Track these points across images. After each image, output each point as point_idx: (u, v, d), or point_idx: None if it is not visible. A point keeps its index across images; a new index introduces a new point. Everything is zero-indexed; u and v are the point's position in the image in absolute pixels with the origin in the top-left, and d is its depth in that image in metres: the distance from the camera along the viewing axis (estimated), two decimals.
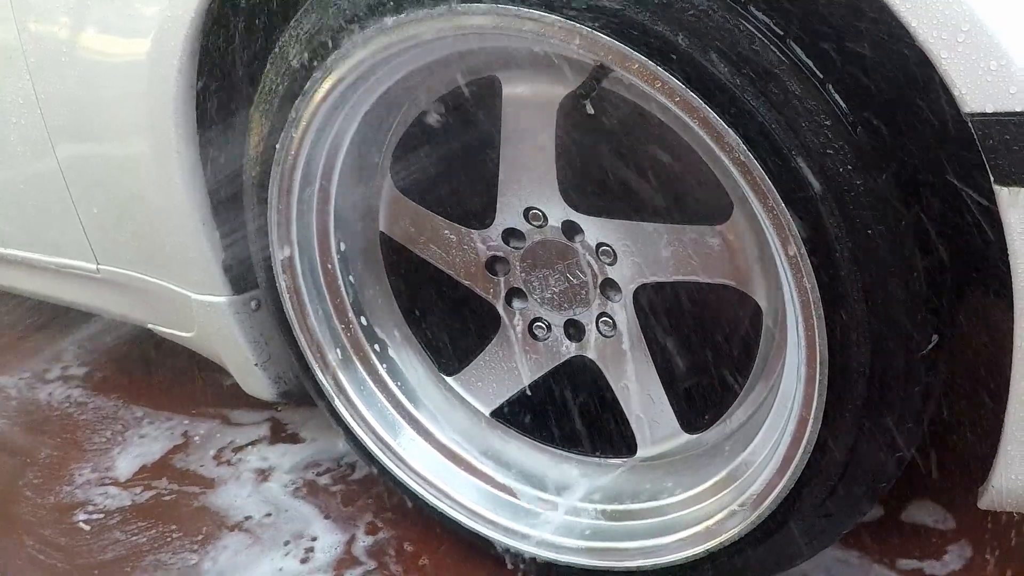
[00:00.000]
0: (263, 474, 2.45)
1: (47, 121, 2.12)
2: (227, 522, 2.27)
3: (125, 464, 2.56)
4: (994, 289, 1.43)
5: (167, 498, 2.40)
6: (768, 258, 1.50)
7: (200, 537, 2.22)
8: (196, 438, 2.65)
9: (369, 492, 2.31)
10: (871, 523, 1.97)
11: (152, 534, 2.25)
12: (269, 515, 2.28)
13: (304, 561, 2.10)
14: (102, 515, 2.34)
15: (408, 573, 2.04)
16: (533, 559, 1.85)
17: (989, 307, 1.50)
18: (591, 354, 1.80)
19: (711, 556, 1.64)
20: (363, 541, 2.15)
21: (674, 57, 1.25)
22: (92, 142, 2.07)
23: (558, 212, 1.68)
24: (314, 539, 2.18)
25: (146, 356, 3.15)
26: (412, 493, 1.98)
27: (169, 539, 2.23)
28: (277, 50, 1.67)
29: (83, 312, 2.87)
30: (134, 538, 2.24)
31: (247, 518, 2.27)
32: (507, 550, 1.89)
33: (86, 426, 2.78)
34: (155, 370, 3.06)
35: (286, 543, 2.17)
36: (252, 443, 2.59)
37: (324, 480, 2.39)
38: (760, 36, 1.20)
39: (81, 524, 2.32)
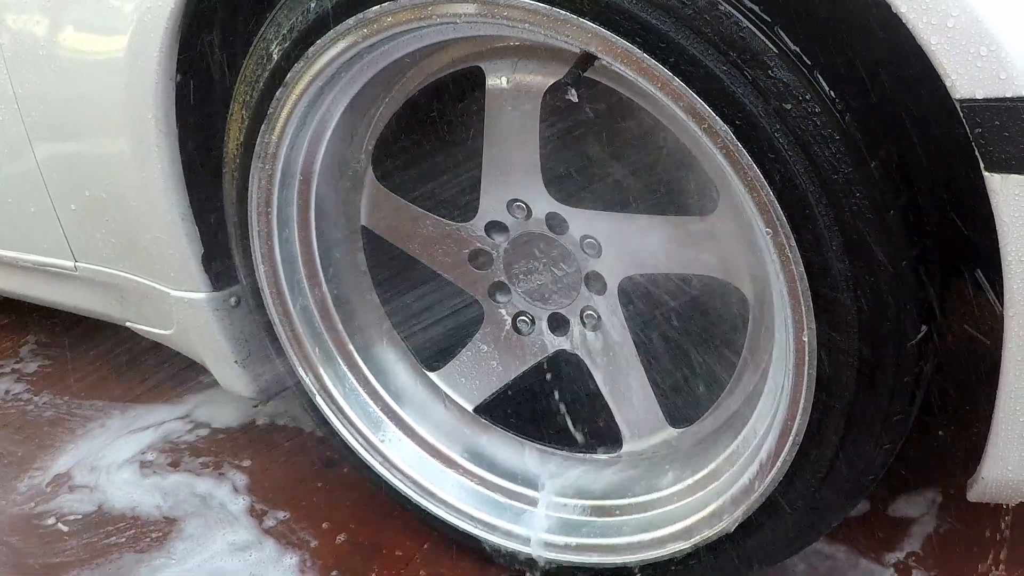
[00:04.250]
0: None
1: (25, 117, 2.10)
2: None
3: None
4: (981, 280, 1.43)
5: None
6: (755, 249, 1.49)
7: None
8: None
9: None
10: (857, 517, 1.96)
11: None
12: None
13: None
14: (57, 517, 2.33)
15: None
16: (516, 555, 1.84)
17: (978, 297, 1.49)
18: (576, 348, 1.79)
19: (698, 551, 1.64)
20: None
21: (660, 44, 1.23)
22: (70, 138, 2.05)
23: (542, 204, 1.67)
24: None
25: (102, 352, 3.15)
26: (395, 490, 1.97)
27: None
28: (257, 41, 1.65)
29: (49, 310, 2.84)
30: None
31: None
32: (493, 547, 1.88)
33: (35, 423, 2.78)
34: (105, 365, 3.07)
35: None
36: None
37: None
38: (748, 23, 1.19)
39: (36, 523, 2.32)
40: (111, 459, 2.54)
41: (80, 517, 2.32)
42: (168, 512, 2.30)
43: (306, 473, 2.37)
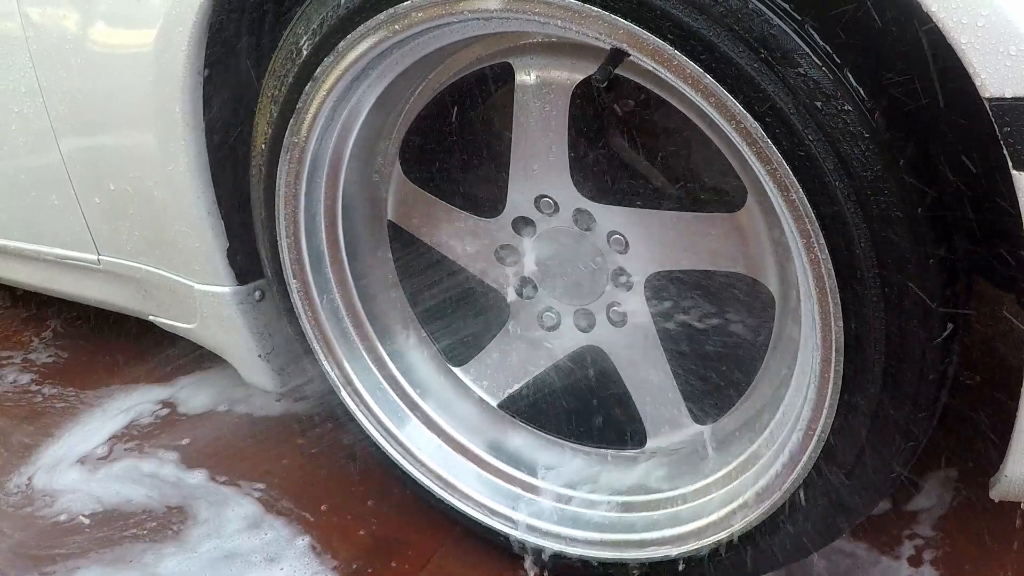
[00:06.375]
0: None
1: (50, 110, 2.11)
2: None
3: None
4: (1005, 280, 1.43)
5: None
6: (781, 246, 1.50)
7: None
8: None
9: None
10: (878, 514, 1.96)
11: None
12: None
13: None
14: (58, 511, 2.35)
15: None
16: (542, 550, 1.85)
17: (1004, 296, 1.49)
18: (601, 344, 1.80)
19: (721, 547, 1.64)
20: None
21: (691, 41, 1.24)
22: (96, 131, 2.06)
23: (570, 200, 1.67)
24: None
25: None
26: (419, 485, 1.97)
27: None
28: (287, 35, 1.66)
29: (70, 302, 2.86)
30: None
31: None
32: (519, 542, 1.88)
33: (39, 413, 2.80)
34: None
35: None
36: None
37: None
38: (778, 21, 1.19)
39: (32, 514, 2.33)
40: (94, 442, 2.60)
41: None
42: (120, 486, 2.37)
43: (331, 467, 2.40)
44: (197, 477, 2.38)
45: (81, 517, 2.27)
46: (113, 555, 2.13)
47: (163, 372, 2.87)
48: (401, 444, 1.97)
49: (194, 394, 2.76)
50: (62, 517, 2.28)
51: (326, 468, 2.37)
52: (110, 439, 2.59)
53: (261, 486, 2.31)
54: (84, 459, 2.51)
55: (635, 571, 1.76)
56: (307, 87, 1.65)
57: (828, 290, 1.29)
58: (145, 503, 2.30)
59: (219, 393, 2.74)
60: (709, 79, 1.25)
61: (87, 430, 2.66)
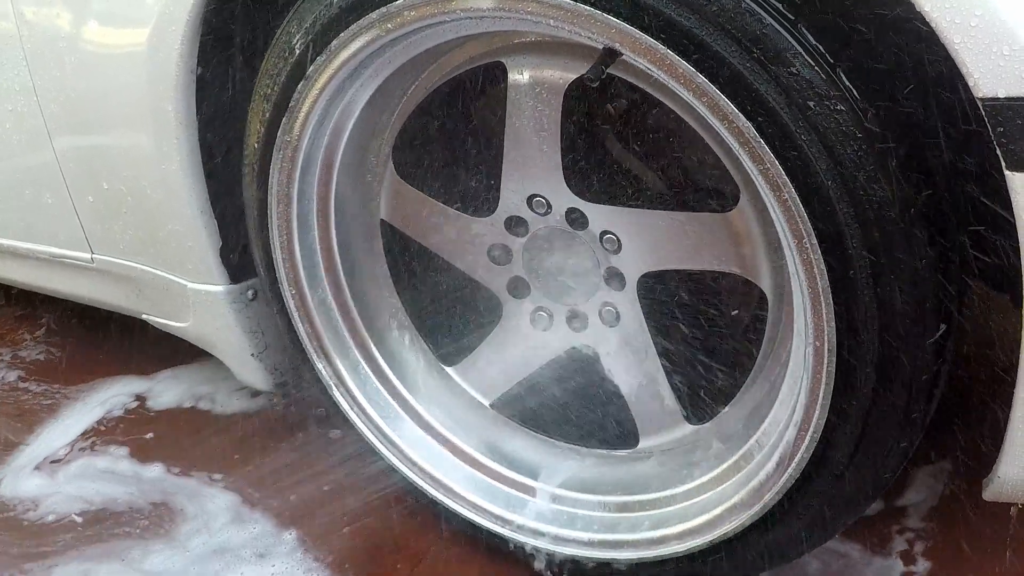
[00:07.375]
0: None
1: (44, 109, 2.11)
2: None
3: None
4: (998, 280, 1.43)
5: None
6: (774, 246, 1.50)
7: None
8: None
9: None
10: (871, 515, 1.96)
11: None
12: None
13: None
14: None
15: None
16: (535, 550, 1.85)
17: (996, 297, 1.49)
18: (594, 343, 1.80)
19: (712, 548, 1.63)
20: None
21: (684, 41, 1.24)
22: (90, 130, 2.06)
23: (562, 200, 1.67)
24: None
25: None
26: (410, 484, 1.97)
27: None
28: (280, 33, 1.66)
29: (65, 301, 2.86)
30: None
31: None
32: (510, 542, 1.88)
33: (26, 411, 2.80)
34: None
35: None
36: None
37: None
38: (771, 20, 1.19)
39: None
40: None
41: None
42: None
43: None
44: (155, 471, 2.39)
45: (74, 516, 2.26)
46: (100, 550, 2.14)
47: (145, 366, 2.87)
48: (392, 443, 1.96)
49: (168, 388, 2.76)
50: (50, 518, 2.28)
51: (314, 464, 2.36)
52: (84, 434, 2.60)
53: (231, 479, 2.32)
54: (58, 456, 2.52)
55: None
56: (300, 86, 1.65)
57: (820, 290, 1.29)
58: (129, 499, 2.31)
59: (188, 389, 2.75)
60: (701, 78, 1.25)
61: (66, 424, 2.66)
